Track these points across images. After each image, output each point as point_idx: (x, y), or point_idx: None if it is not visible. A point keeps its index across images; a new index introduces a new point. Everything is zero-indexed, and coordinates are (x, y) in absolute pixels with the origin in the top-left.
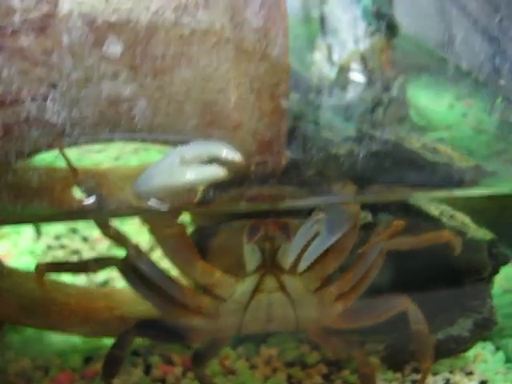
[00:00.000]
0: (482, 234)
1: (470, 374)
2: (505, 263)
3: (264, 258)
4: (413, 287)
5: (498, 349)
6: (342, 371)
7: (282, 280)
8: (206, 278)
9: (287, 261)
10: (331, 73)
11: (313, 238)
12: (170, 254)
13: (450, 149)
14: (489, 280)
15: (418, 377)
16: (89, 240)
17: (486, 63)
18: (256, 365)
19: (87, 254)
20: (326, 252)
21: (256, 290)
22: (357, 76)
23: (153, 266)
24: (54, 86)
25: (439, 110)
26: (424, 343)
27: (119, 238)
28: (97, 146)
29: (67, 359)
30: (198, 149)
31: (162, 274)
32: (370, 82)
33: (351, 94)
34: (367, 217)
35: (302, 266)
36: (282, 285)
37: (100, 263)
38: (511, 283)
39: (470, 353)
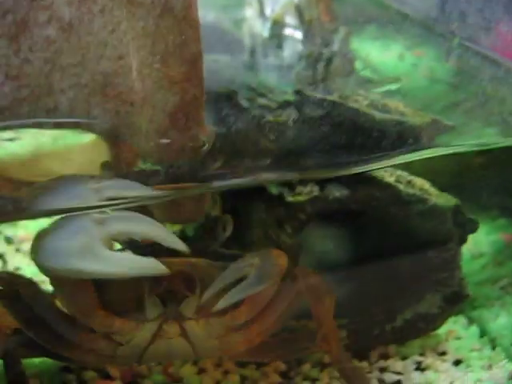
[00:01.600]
0: (444, 199)
1: (442, 354)
2: (472, 231)
3: (166, 308)
4: (371, 262)
5: (470, 322)
6: (301, 366)
7: (184, 327)
8: (105, 327)
9: (191, 310)
10: (264, 29)
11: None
12: (66, 300)
13: (402, 105)
14: (456, 250)
15: (386, 363)
16: (13, 241)
17: (434, 8)
18: (205, 368)
19: (12, 258)
20: (241, 302)
21: (156, 335)
22: (292, 31)
23: (47, 303)
24: None
25: (388, 62)
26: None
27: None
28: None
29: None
30: (128, 226)
31: (56, 312)
32: (307, 37)
33: (288, 52)
34: (313, 190)
35: (220, 306)
36: (184, 331)
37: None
38: (479, 247)
39: (441, 330)
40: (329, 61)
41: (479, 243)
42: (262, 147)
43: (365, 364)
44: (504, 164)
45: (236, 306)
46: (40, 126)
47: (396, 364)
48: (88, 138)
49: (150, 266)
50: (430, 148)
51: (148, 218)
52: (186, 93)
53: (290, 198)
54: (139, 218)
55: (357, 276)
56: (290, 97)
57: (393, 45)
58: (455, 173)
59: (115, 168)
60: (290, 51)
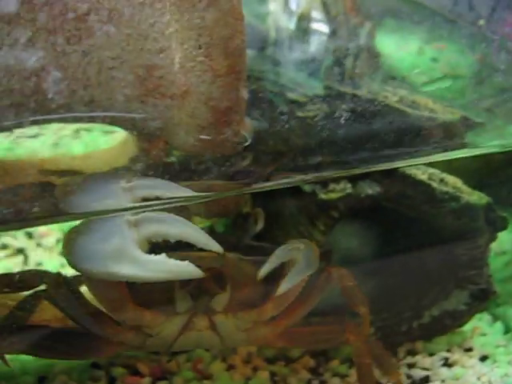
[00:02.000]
0: (476, 197)
1: (469, 350)
2: (503, 228)
3: (195, 303)
4: (401, 259)
5: (495, 319)
6: (330, 362)
7: (213, 320)
8: (136, 321)
9: (221, 305)
10: (289, 24)
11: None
12: (98, 296)
13: (431, 101)
14: (485, 247)
15: (414, 359)
16: (33, 236)
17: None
18: (234, 365)
19: (34, 253)
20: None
21: (185, 328)
22: (319, 25)
23: (76, 298)
24: None
25: (408, 57)
26: None
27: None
28: (30, 130)
29: (17, 382)
30: (163, 227)
31: (86, 306)
32: (334, 31)
33: (314, 46)
34: (346, 188)
35: (282, 290)
36: (213, 324)
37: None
38: (503, 244)
39: (467, 327)
40: (356, 56)
41: (502, 241)
42: (291, 144)
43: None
44: None
45: (263, 300)
46: (74, 119)
47: (424, 360)
48: (115, 134)
49: (187, 270)
50: (463, 147)
51: (182, 219)
52: (229, 86)
53: (322, 195)
54: (173, 219)
55: (386, 273)
56: (321, 91)
57: (411, 38)
58: (475, 169)
59: (143, 162)
60: (316, 46)
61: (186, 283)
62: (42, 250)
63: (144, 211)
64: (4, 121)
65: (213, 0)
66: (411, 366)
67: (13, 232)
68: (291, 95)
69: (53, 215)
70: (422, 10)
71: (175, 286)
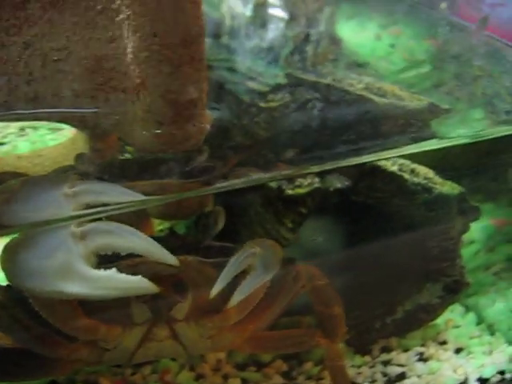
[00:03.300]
0: (449, 188)
1: (443, 343)
2: (475, 219)
3: (154, 314)
4: (372, 255)
5: (467, 310)
6: (303, 365)
7: (175, 329)
8: (90, 335)
9: (182, 313)
10: (245, 10)
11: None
12: (45, 311)
13: (397, 88)
14: (458, 239)
15: (388, 356)
16: None
17: None
18: (204, 374)
19: None
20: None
21: (144, 339)
22: (277, 11)
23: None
24: None
25: (365, 43)
26: None
27: None
28: None
29: None
30: (112, 239)
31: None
32: (292, 17)
33: (272, 33)
34: (314, 182)
35: (234, 301)
36: (174, 333)
37: None
38: (472, 234)
39: (440, 320)
40: (317, 43)
41: (471, 230)
42: (255, 136)
43: (368, 358)
44: (484, 148)
45: (225, 304)
46: (16, 118)
47: (399, 356)
48: (63, 131)
49: (140, 286)
50: (432, 137)
51: (132, 229)
52: (189, 77)
53: (289, 191)
54: (122, 230)
55: (357, 269)
56: (282, 80)
57: (368, 23)
58: (436, 158)
59: (91, 160)
60: (274, 32)
61: (142, 296)
62: None
63: (90, 220)
64: None
65: None
66: (386, 363)
67: None
68: (251, 84)
69: None
70: None
71: (131, 296)
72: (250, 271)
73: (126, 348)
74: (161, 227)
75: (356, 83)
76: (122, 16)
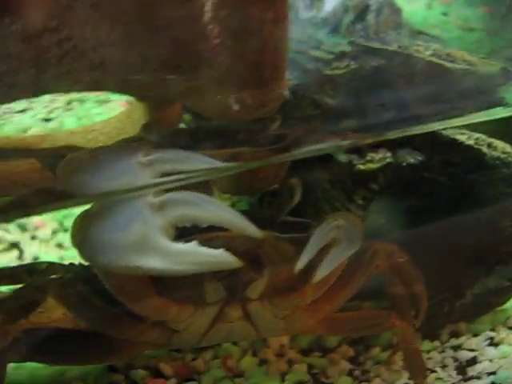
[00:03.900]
0: None
1: None
2: None
3: (228, 293)
4: (442, 234)
5: None
6: (370, 350)
7: (248, 309)
8: (161, 315)
9: (257, 292)
10: None
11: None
12: (115, 288)
13: (467, 53)
14: None
15: (458, 341)
16: (27, 228)
17: None
18: (267, 359)
19: (29, 246)
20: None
21: (215, 320)
22: None
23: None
24: None
25: (417, 12)
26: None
27: None
28: (17, 104)
29: None
30: (191, 211)
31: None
32: None
33: (330, 3)
34: (386, 157)
35: (320, 274)
36: (247, 314)
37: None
38: None
39: (510, 304)
40: (378, 12)
41: None
42: (322, 105)
43: (437, 343)
44: None
45: (302, 282)
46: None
47: (469, 341)
48: (111, 103)
49: (223, 260)
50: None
51: (212, 199)
52: (272, 36)
53: (360, 166)
54: (203, 200)
55: (426, 251)
56: (345, 48)
57: None
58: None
59: (156, 129)
60: (332, 2)
61: (218, 273)
62: (38, 242)
63: (165, 190)
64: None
65: None
66: (456, 348)
67: (4, 224)
68: (315, 53)
69: (55, 200)
70: None
71: (205, 274)
72: (335, 245)
73: (196, 329)
74: None
75: (423, 49)
76: None
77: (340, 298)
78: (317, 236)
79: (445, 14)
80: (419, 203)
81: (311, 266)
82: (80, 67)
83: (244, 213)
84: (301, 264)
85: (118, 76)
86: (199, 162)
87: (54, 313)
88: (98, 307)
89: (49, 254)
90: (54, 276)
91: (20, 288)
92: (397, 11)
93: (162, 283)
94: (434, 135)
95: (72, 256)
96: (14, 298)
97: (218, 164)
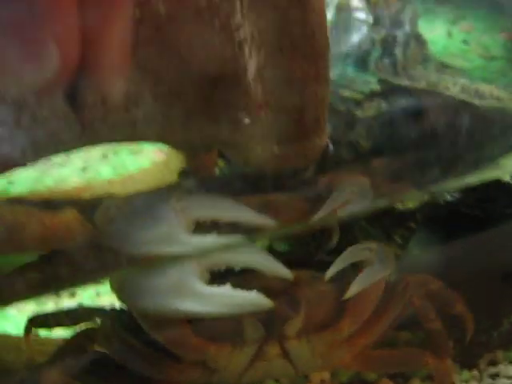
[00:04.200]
0: None
1: None
2: None
3: (266, 331)
4: (476, 263)
5: None
6: (410, 381)
7: (286, 347)
8: (201, 355)
9: (294, 329)
10: (328, 14)
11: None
12: (154, 330)
13: (495, 88)
14: None
15: (495, 369)
16: None
17: None
18: None
19: None
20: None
21: (254, 358)
22: (360, 14)
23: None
24: None
25: (438, 41)
26: None
27: None
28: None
29: None
30: (225, 255)
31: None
32: (376, 19)
33: (358, 37)
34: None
35: (352, 292)
36: (285, 351)
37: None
38: None
39: None
40: (405, 44)
41: None
42: (357, 148)
43: (475, 372)
44: None
45: (338, 318)
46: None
47: (506, 369)
48: (144, 153)
49: (257, 302)
50: None
51: (247, 243)
52: (314, 93)
53: (399, 206)
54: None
55: (464, 283)
56: (375, 86)
57: (437, 20)
58: None
59: (193, 176)
60: (360, 36)
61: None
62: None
63: None
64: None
65: None
66: (494, 376)
67: None
68: (345, 93)
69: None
70: None
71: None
72: (367, 266)
73: (234, 368)
74: (259, 244)
75: (451, 85)
76: (242, 33)
77: (375, 331)
78: (348, 252)
79: (465, 42)
80: (456, 237)
81: (346, 301)
82: (124, 121)
83: (281, 253)
84: (330, 273)
85: (160, 129)
86: (232, 210)
87: None
88: (137, 349)
89: (86, 290)
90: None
91: (71, 338)
92: (423, 43)
93: (200, 323)
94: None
95: (107, 290)
96: (67, 347)
97: (251, 213)
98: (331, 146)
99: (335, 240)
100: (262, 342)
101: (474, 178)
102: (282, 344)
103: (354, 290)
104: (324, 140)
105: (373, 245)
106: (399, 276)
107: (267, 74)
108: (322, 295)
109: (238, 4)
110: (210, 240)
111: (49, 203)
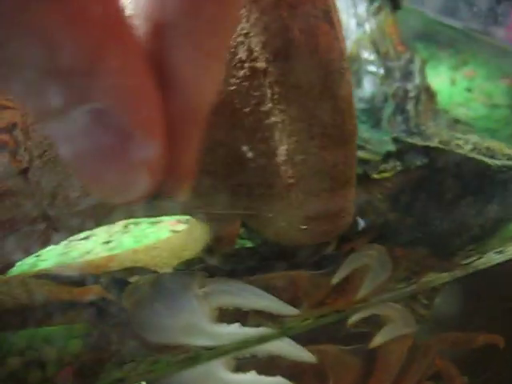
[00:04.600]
0: None
1: None
2: None
3: None
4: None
5: None
6: None
7: None
8: None
9: None
10: None
11: None
12: None
13: (505, 146)
14: None
15: None
16: None
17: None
18: None
19: None
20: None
21: None
22: (370, 66)
23: None
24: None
25: (443, 90)
26: None
27: None
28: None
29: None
30: (231, 299)
31: None
32: (387, 71)
33: (369, 90)
34: None
35: (361, 295)
36: None
37: None
38: None
39: None
40: (417, 99)
41: None
42: (379, 214)
43: None
44: None
45: None
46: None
47: None
48: (162, 223)
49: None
50: None
51: (253, 288)
52: (341, 175)
53: None
54: (243, 290)
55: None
56: (391, 146)
57: (440, 67)
58: None
59: (217, 251)
60: (371, 90)
61: None
62: None
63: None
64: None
65: (326, 87)
66: None
67: None
68: (362, 154)
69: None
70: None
71: None
72: (369, 271)
73: None
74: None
75: (463, 143)
76: (273, 119)
77: None
78: (349, 259)
79: (469, 90)
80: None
81: (368, 374)
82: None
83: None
84: (335, 280)
85: (189, 205)
86: (256, 297)
87: None
88: None
89: None
90: None
91: None
92: (432, 95)
93: None
94: None
95: None
96: None
97: (276, 302)
98: (362, 222)
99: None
100: None
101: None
102: None
103: (362, 293)
104: (351, 216)
105: (372, 251)
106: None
107: (297, 159)
108: (349, 369)
109: (268, 93)
110: (233, 330)
111: (74, 278)
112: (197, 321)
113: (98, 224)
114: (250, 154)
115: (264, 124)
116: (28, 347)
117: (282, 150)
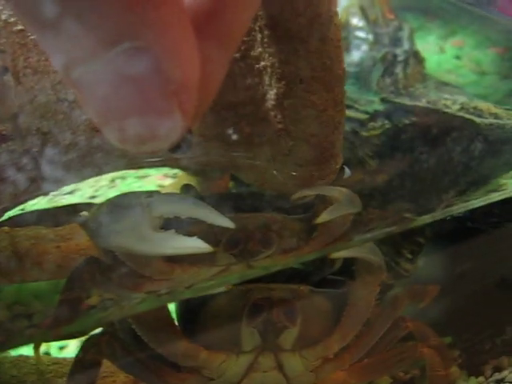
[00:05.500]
0: None
1: None
2: None
3: (263, 340)
4: (477, 273)
5: None
6: None
7: (281, 359)
8: (190, 360)
9: (290, 341)
10: None
11: None
12: (147, 334)
13: (492, 105)
14: None
15: (501, 375)
16: None
17: None
18: None
19: None
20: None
21: (249, 369)
22: (359, 33)
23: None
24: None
25: (431, 57)
26: None
27: None
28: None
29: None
30: (174, 208)
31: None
32: (376, 38)
33: (358, 56)
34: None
35: (322, 219)
36: (280, 364)
37: None
38: None
39: None
40: (406, 63)
41: None
42: (366, 167)
43: (481, 379)
44: None
45: (328, 334)
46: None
47: (511, 375)
48: (150, 177)
49: (194, 245)
50: None
51: (191, 198)
52: (331, 119)
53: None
54: (183, 199)
55: (467, 294)
56: (379, 106)
57: (429, 36)
58: None
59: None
60: (361, 55)
61: (254, 318)
62: None
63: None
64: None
65: (313, 29)
66: (499, 381)
67: None
68: (349, 113)
69: None
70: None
71: (242, 321)
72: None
73: (230, 378)
74: None
75: (451, 104)
76: (262, 63)
77: (364, 345)
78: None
79: (458, 58)
80: (461, 250)
81: (335, 323)
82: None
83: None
84: (298, 195)
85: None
86: (195, 206)
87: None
88: (138, 358)
89: None
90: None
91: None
92: (421, 61)
93: (196, 329)
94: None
95: None
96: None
97: (215, 214)
98: (348, 170)
99: (337, 266)
100: (258, 353)
101: (478, 201)
102: (277, 356)
103: (324, 217)
104: (339, 163)
105: (343, 189)
106: (406, 289)
107: (286, 103)
108: (317, 311)
109: (258, 37)
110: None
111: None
112: (139, 227)
113: (87, 176)
114: (241, 101)
115: (254, 69)
116: (16, 302)
117: (271, 95)
